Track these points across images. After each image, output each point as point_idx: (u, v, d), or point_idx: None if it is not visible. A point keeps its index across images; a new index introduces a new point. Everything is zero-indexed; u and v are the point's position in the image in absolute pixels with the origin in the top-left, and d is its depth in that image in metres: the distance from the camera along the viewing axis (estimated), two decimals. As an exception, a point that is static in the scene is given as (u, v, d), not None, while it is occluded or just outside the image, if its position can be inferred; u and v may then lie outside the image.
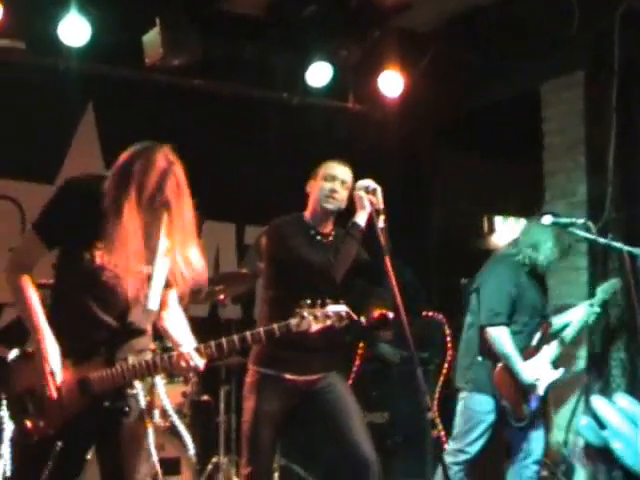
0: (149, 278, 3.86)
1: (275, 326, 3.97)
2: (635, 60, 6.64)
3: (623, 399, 6.65)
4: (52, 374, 3.76)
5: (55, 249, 3.94)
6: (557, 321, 6.15)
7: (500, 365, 5.75)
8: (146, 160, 3.89)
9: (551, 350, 5.95)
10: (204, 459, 6.61)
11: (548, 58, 7.37)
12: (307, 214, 5.22)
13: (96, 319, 3.86)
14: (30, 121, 7.34)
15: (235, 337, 3.93)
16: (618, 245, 5.46)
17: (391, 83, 8.07)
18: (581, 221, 5.55)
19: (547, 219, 5.53)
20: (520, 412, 5.78)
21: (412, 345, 4.45)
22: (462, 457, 5.79)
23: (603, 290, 6.30)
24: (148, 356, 3.89)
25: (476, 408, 5.78)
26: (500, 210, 10.33)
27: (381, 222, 4.71)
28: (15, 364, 3.89)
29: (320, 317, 3.96)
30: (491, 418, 5.77)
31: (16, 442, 3.83)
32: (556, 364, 5.98)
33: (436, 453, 4.73)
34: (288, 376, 4.98)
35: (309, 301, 3.99)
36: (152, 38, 7.02)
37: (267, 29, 7.61)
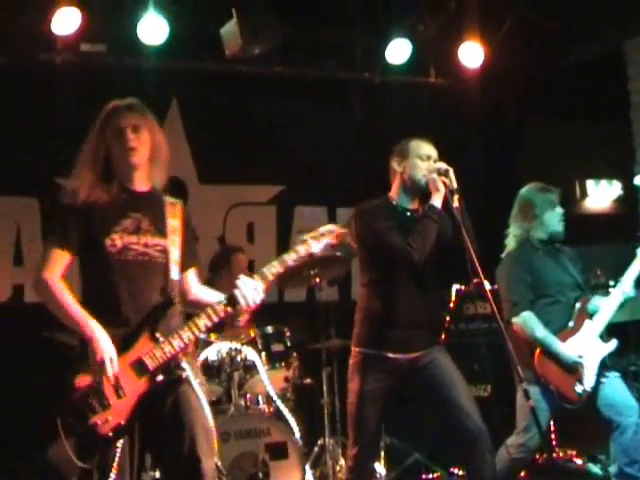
0: (167, 250, 4.13)
1: (285, 255, 4.20)
2: None
3: None
4: (111, 360, 3.85)
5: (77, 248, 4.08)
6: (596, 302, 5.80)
7: (537, 351, 5.55)
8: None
9: (596, 324, 5.67)
10: (310, 442, 6.68)
11: (630, 15, 7.22)
12: (394, 194, 5.22)
13: (131, 300, 4.01)
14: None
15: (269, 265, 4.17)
16: None
17: (471, 54, 8.01)
18: (675, 178, 5.41)
19: (639, 179, 5.40)
20: (571, 395, 5.55)
21: (499, 317, 4.59)
22: (523, 454, 5.63)
23: None
24: (189, 321, 4.03)
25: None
26: (592, 174, 10.17)
27: (455, 202, 4.85)
28: (71, 366, 3.95)
29: (317, 237, 4.30)
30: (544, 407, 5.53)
31: (89, 444, 3.91)
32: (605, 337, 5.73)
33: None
34: (391, 355, 4.98)
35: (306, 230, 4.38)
36: (230, 29, 7.07)
37: (344, 9, 7.60)
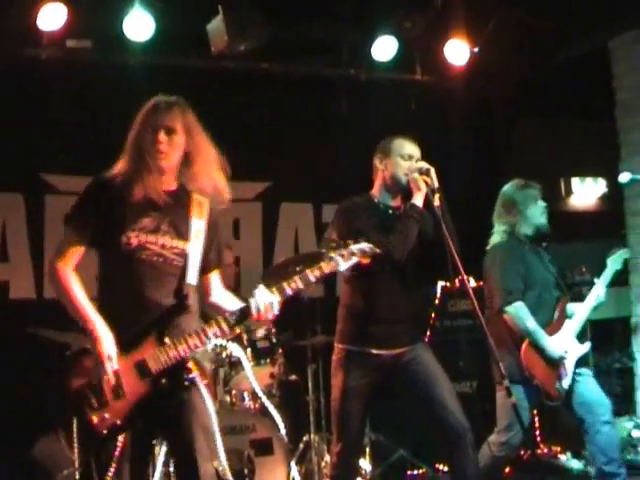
0: (185, 254, 4.06)
1: (308, 271, 4.10)
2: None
3: None
4: (109, 358, 3.82)
5: (92, 241, 4.04)
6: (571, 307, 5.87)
7: (525, 343, 5.57)
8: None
9: (574, 324, 5.73)
10: (295, 438, 6.70)
11: (616, 13, 7.24)
12: (376, 192, 5.26)
13: (142, 300, 3.95)
14: (102, 117, 7.45)
15: (289, 280, 4.07)
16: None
17: (458, 51, 8.01)
18: (660, 176, 5.42)
19: (624, 176, 5.43)
20: (553, 391, 5.58)
21: (480, 314, 4.67)
22: (505, 452, 5.66)
23: (613, 260, 5.89)
24: (199, 328, 3.96)
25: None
26: (577, 171, 10.20)
27: (437, 200, 4.92)
28: (72, 361, 3.94)
29: (346, 255, 4.15)
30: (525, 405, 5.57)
31: (85, 440, 3.89)
32: (581, 339, 5.78)
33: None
34: (374, 351, 5.00)
35: (334, 244, 4.21)
36: (216, 26, 7.06)
37: (330, 6, 7.60)
